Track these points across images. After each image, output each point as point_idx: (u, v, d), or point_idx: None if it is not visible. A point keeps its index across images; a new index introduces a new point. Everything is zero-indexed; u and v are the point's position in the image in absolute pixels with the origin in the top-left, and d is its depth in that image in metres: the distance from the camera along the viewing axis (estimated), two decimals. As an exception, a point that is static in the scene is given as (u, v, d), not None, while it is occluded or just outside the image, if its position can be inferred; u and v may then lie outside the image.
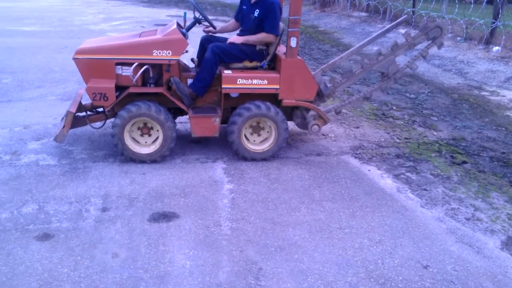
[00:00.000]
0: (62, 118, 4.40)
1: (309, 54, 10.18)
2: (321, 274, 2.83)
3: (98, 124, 4.58)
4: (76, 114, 4.25)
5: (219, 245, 3.07)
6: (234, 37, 4.38)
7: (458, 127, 5.74)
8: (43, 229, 3.16)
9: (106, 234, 3.14)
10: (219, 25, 4.86)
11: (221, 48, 4.20)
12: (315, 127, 4.53)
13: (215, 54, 4.15)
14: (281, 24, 4.48)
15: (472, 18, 10.60)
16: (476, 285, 2.80)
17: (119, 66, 4.06)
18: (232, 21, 4.80)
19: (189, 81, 4.35)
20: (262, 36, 4.28)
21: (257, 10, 4.23)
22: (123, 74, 4.08)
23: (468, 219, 3.58)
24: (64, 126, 4.09)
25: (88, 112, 4.51)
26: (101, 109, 4.53)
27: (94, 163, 4.22)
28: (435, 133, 5.50)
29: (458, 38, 10.32)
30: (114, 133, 4.07)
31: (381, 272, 2.87)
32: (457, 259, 3.05)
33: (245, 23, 4.47)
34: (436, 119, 6.03)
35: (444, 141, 5.23)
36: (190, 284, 2.68)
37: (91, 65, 4.02)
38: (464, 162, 4.66)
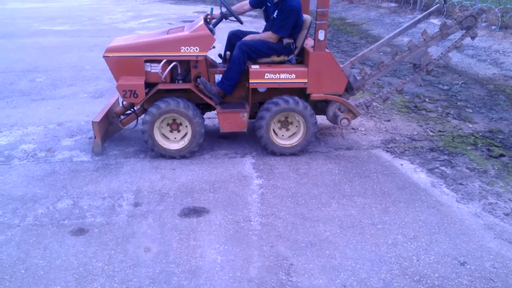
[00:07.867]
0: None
1: (337, 46, 10.02)
2: (353, 271, 2.78)
3: (132, 124, 4.65)
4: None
5: (249, 240, 3.06)
6: (248, 36, 4.36)
7: (494, 119, 5.52)
8: (78, 224, 3.23)
9: (138, 228, 3.18)
10: (245, 19, 4.82)
11: (248, 45, 4.18)
12: (345, 121, 4.45)
13: (243, 52, 4.13)
14: (309, 17, 4.42)
15: (508, 6, 10.18)
16: (517, 283, 2.69)
17: (148, 63, 4.10)
18: (246, 3, 4.59)
19: (217, 77, 4.36)
20: (266, 35, 4.26)
21: (276, 11, 4.20)
22: (152, 71, 4.12)
23: (507, 214, 3.44)
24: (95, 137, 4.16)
25: (122, 116, 4.60)
26: (129, 112, 4.60)
27: (125, 159, 4.29)
28: (470, 125, 5.31)
29: (493, 27, 9.93)
30: (144, 129, 4.12)
31: (416, 269, 2.79)
32: (496, 256, 2.93)
33: (267, 22, 4.47)
34: (471, 111, 5.83)
35: (480, 134, 5.04)
36: (221, 278, 2.69)
37: (121, 62, 4.07)
38: (502, 155, 4.48)
